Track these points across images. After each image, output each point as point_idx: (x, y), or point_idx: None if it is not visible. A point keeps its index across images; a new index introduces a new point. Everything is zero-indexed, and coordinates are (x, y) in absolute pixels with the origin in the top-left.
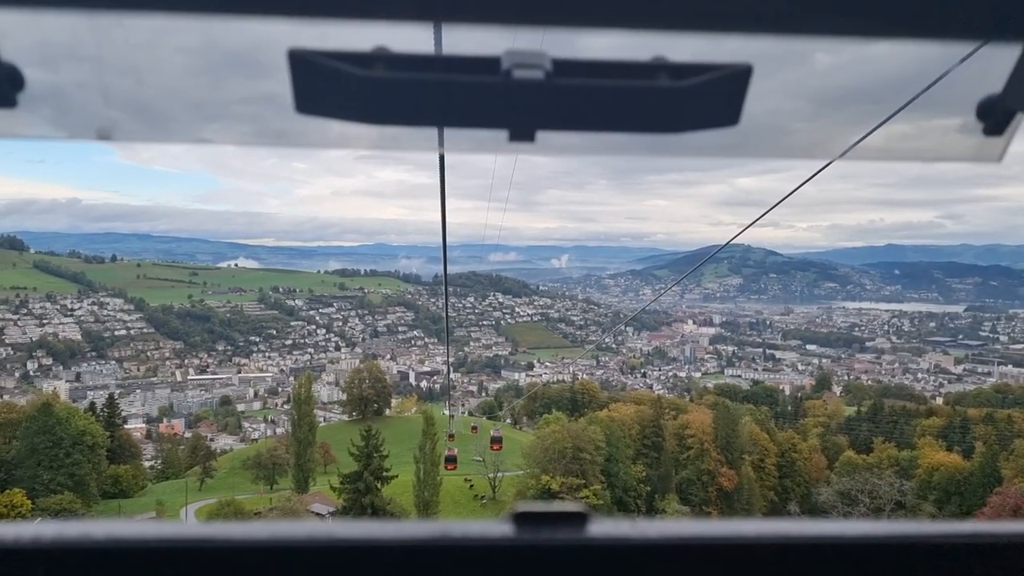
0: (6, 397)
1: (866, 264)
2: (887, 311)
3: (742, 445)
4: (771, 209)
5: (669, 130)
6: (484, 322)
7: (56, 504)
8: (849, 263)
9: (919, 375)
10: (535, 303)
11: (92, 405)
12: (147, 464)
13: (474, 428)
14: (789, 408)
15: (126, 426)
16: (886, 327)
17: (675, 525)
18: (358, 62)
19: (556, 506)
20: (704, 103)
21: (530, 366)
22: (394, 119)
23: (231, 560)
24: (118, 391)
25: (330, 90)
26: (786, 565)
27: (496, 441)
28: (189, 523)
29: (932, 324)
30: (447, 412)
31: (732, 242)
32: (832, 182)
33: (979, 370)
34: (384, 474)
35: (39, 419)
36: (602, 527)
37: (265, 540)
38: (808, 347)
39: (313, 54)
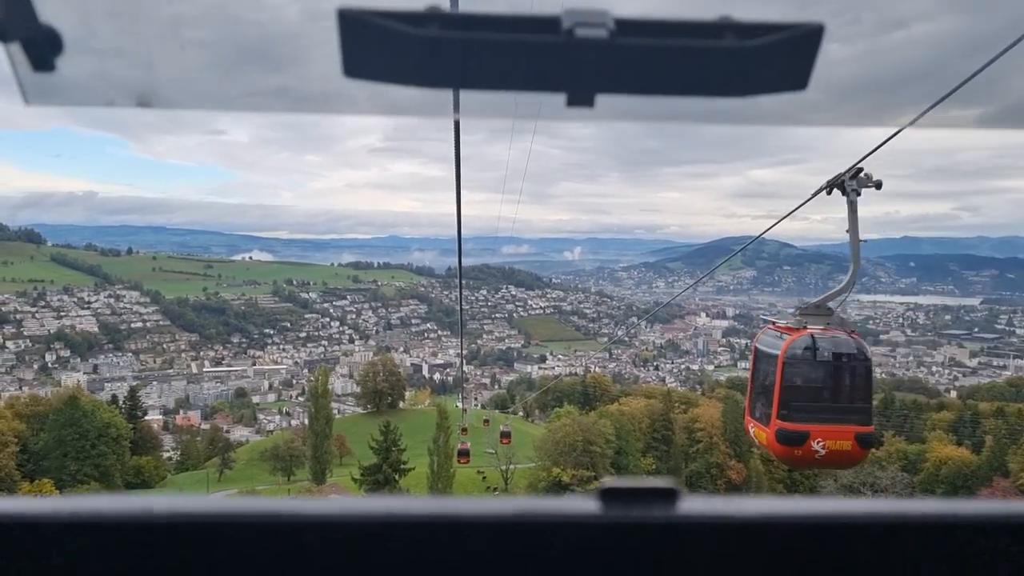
0: (25, 389)
1: (881, 256)
2: (902, 304)
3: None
4: (816, 194)
5: (736, 93)
6: (497, 315)
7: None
8: (864, 255)
9: (934, 368)
10: (548, 295)
11: (114, 397)
12: (165, 455)
13: (486, 421)
14: None
15: (145, 418)
16: (901, 320)
17: (771, 502)
18: (411, 21)
19: (644, 481)
20: (772, 65)
21: (543, 359)
22: (448, 81)
23: (296, 536)
24: (135, 383)
25: (382, 52)
26: (890, 545)
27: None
28: (218, 498)
29: (948, 317)
30: (460, 405)
31: (745, 234)
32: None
33: (994, 363)
34: (402, 467)
35: (66, 412)
36: (693, 504)
37: (336, 516)
38: None
39: (364, 13)
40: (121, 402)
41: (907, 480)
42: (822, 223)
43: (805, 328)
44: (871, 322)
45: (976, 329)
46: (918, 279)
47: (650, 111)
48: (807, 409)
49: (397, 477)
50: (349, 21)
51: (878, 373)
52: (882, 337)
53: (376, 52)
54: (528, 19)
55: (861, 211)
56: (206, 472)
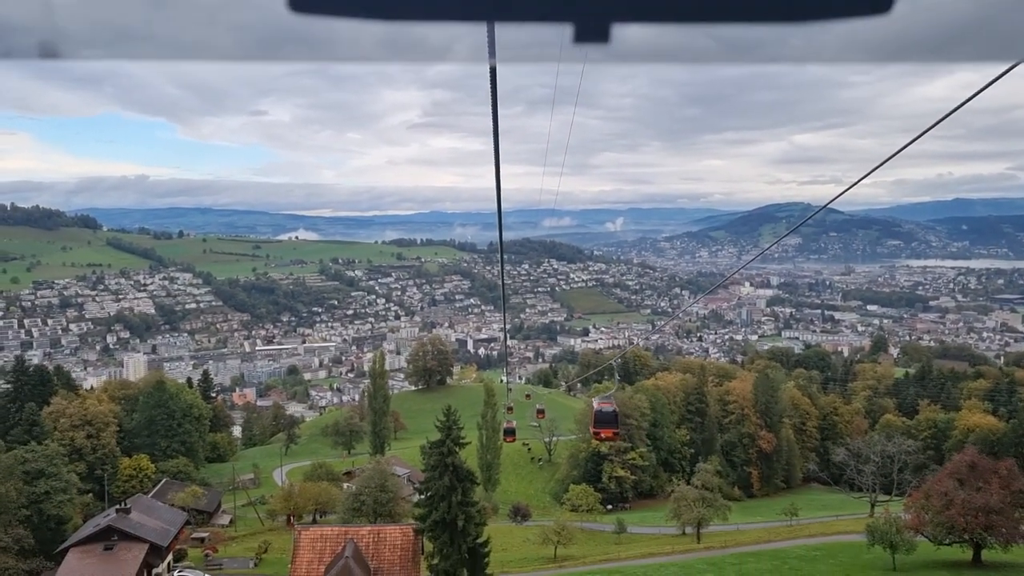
0: (90, 370)
1: (932, 220)
2: (953, 268)
3: (781, 410)
4: (891, 157)
5: (794, 18)
6: (539, 288)
7: (173, 467)
8: (914, 219)
9: (984, 334)
10: (590, 268)
11: (189, 380)
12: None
13: (527, 396)
14: (840, 371)
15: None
16: (951, 285)
17: None
18: None
19: None
20: None
21: (585, 332)
22: (416, 13)
23: None
24: (192, 362)
25: None
26: None
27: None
28: None
29: (1000, 281)
30: (504, 380)
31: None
32: (896, 136)
33: None
34: (461, 441)
35: (154, 395)
36: None
37: None
38: (869, 307)
39: None
40: (196, 384)
41: (912, 447)
42: (870, 187)
43: (602, 401)
44: (920, 288)
45: None
46: (970, 243)
47: (685, 48)
48: (599, 424)
49: (457, 449)
50: None
51: (926, 340)
52: (931, 303)
53: None
54: None
55: (909, 173)
56: (279, 447)
